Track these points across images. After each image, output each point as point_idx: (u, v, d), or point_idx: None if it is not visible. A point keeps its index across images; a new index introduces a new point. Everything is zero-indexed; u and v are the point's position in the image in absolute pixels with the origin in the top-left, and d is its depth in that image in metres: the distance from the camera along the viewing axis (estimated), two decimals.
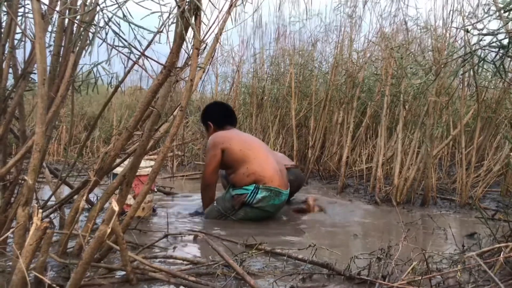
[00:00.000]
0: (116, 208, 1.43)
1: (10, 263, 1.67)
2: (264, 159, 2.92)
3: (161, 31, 1.61)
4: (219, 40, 2.05)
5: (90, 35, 1.87)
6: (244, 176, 2.85)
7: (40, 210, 1.43)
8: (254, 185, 2.82)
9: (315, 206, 3.24)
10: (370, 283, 1.64)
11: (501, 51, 1.61)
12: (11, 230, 1.61)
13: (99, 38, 1.71)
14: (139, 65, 1.81)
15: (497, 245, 1.57)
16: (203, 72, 2.07)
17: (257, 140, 3.23)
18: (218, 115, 3.14)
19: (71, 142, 5.41)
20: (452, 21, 3.66)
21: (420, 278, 1.52)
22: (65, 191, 2.73)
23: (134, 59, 1.81)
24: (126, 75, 1.93)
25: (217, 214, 2.90)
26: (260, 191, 2.82)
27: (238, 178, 2.87)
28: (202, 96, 6.23)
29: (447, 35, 3.64)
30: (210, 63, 2.25)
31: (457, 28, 3.55)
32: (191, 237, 2.32)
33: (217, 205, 2.94)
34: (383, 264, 1.76)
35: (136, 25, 1.62)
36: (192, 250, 2.13)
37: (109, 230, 1.35)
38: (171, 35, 1.65)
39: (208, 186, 2.96)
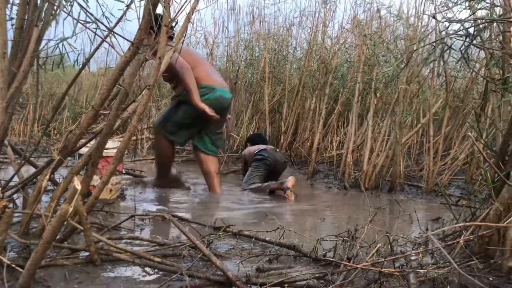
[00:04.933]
0: (78, 187, 1.40)
1: None
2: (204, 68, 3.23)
3: (129, 7, 1.56)
4: (190, 20, 2.01)
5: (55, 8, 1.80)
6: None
7: None
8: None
9: (292, 196, 3.28)
10: (335, 265, 1.67)
11: (467, 39, 1.64)
12: None
13: (64, 12, 1.65)
14: (107, 42, 1.75)
15: (456, 225, 1.61)
16: (174, 51, 2.03)
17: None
18: None
19: (38, 122, 5.26)
20: (424, 10, 3.71)
21: (383, 260, 1.55)
22: (31, 171, 2.65)
23: (103, 36, 1.76)
24: (94, 52, 1.88)
25: None
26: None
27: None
28: None
29: (419, 23, 3.68)
30: (182, 44, 2.20)
31: (428, 16, 3.59)
32: (158, 219, 2.30)
33: None
34: (348, 246, 1.78)
35: None
36: (159, 232, 2.12)
37: (71, 209, 1.32)
38: (141, 12, 1.61)
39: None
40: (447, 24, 2.03)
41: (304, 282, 1.49)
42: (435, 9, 3.45)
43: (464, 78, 4.24)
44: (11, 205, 2.12)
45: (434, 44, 1.79)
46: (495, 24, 1.81)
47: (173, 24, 2.16)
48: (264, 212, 2.69)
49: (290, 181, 3.27)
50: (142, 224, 2.21)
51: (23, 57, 1.78)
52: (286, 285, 1.48)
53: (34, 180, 2.12)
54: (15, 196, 2.11)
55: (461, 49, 1.63)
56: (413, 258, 1.74)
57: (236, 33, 5.51)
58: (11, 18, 1.75)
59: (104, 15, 1.81)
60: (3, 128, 1.57)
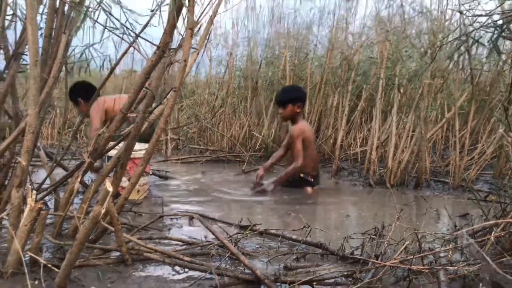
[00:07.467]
0: (110, 189, 1.44)
1: (6, 245, 1.67)
2: None
3: (155, 12, 1.59)
4: (213, 23, 2.03)
5: (82, 16, 1.85)
6: None
7: (34, 192, 1.43)
8: None
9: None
10: (363, 262, 1.66)
11: (496, 31, 1.61)
12: (6, 211, 1.61)
13: (91, 18, 1.69)
14: (134, 47, 1.79)
15: (487, 223, 1.59)
16: (197, 54, 2.06)
17: None
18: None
19: (65, 126, 5.38)
20: (447, 4, 3.65)
21: (412, 257, 1.54)
22: (61, 174, 2.72)
23: (128, 41, 1.80)
24: (121, 57, 1.92)
25: None
26: None
27: None
28: (196, 80, 6.20)
29: (443, 17, 3.62)
30: (205, 46, 2.23)
31: (452, 10, 3.53)
32: (186, 219, 2.34)
33: None
34: (376, 244, 1.77)
35: (126, 9, 1.60)
36: (187, 231, 2.15)
37: (103, 211, 1.36)
38: (165, 17, 1.63)
39: None
40: (472, 17, 1.99)
41: (332, 280, 1.50)
42: (458, 1, 3.40)
43: (490, 71, 4.15)
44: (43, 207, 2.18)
45: (461, 38, 1.76)
46: None
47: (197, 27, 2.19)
48: (289, 211, 2.70)
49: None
50: (170, 224, 2.25)
51: (52, 63, 1.83)
52: (314, 283, 1.49)
53: (65, 182, 2.18)
54: (46, 198, 2.17)
55: (492, 41, 1.60)
56: (442, 255, 1.72)
57: (256, 32, 5.52)
58: (41, 28, 1.80)
59: (128, 21, 1.85)
60: (35, 132, 1.62)
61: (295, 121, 3.50)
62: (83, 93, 3.67)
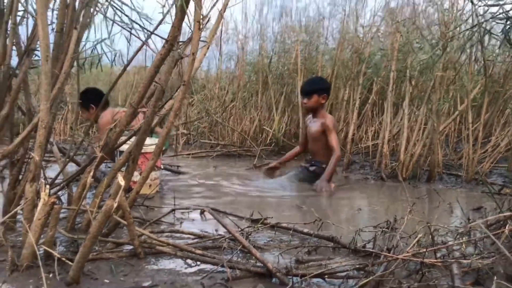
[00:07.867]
0: (122, 183, 1.45)
1: (20, 238, 1.70)
2: None
3: (169, 10, 1.59)
4: (223, 16, 2.02)
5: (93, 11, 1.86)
6: None
7: (47, 186, 1.45)
8: None
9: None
10: (375, 256, 1.65)
11: (508, 22, 1.58)
12: (20, 206, 1.63)
13: (101, 14, 1.70)
14: (145, 43, 1.80)
15: (502, 215, 1.57)
16: (207, 48, 2.05)
17: None
18: None
19: (78, 122, 5.43)
20: None
21: (425, 250, 1.53)
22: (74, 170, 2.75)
23: (137, 36, 1.80)
24: (135, 55, 1.92)
25: None
26: None
27: None
28: (207, 75, 6.20)
29: (454, 8, 3.57)
30: (218, 41, 2.22)
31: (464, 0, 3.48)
32: (197, 212, 2.35)
33: None
34: (388, 237, 1.76)
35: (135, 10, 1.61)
36: (198, 225, 2.16)
37: (115, 205, 1.37)
38: (174, 12, 1.63)
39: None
40: (484, 7, 1.96)
41: (344, 273, 1.49)
42: None
43: (504, 63, 4.08)
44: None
45: (472, 29, 1.73)
46: None
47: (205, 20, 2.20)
48: (300, 205, 2.69)
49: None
50: (182, 218, 2.26)
51: (64, 59, 1.84)
52: (326, 276, 1.48)
53: (77, 177, 2.20)
54: (60, 193, 2.20)
55: (503, 32, 1.57)
56: (455, 248, 1.71)
57: (265, 26, 5.51)
58: (52, 23, 1.81)
59: (140, 18, 1.86)
60: (48, 127, 1.63)
61: (318, 113, 3.44)
62: (97, 99, 3.35)
